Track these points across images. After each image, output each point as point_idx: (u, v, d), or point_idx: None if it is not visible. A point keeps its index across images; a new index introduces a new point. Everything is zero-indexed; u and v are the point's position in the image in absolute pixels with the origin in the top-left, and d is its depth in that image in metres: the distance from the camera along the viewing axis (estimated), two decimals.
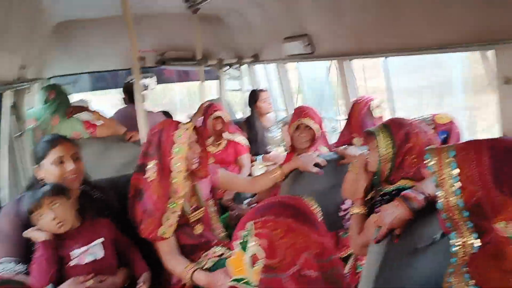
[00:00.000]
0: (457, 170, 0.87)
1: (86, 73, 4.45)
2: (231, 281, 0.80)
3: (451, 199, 0.88)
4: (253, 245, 0.79)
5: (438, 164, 0.90)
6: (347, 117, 2.56)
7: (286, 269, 0.77)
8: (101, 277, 1.61)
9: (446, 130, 1.82)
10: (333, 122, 3.71)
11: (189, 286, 1.75)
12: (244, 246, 0.79)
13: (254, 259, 0.78)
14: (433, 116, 1.85)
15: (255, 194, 2.87)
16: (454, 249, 0.91)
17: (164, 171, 1.74)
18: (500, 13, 1.46)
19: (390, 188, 1.48)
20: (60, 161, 1.69)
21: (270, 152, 3.36)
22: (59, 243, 1.61)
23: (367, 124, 2.29)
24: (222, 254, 1.86)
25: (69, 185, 1.70)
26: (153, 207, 1.74)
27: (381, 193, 1.56)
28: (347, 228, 1.96)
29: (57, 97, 2.79)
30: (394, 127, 1.48)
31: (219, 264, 1.80)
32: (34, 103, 3.47)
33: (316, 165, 2.00)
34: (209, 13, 3.78)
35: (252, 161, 3.26)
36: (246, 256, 0.79)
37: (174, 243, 1.81)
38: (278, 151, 3.27)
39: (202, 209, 1.93)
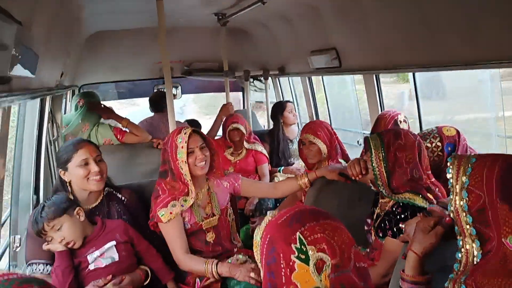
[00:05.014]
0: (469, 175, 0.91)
1: (114, 82, 4.59)
2: None
3: (458, 202, 0.92)
4: (314, 253, 0.80)
5: (456, 169, 0.93)
6: (371, 131, 2.55)
7: (348, 263, 0.80)
8: (120, 278, 1.66)
9: (452, 142, 1.79)
10: (358, 135, 3.70)
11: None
12: (303, 259, 0.80)
13: (318, 266, 0.80)
14: (438, 129, 1.83)
15: (277, 206, 2.89)
16: (458, 255, 0.95)
17: (176, 175, 1.87)
18: None
19: (397, 198, 1.56)
20: (85, 163, 1.75)
21: (293, 164, 3.37)
22: (76, 250, 1.66)
23: None
24: (245, 262, 1.88)
25: (93, 187, 1.76)
26: (164, 194, 1.88)
27: (387, 209, 1.61)
28: (369, 244, 1.94)
29: (85, 104, 2.89)
30: (385, 136, 1.56)
31: None
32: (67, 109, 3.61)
33: (342, 175, 2.01)
34: (236, 26, 3.85)
35: (274, 172, 3.28)
36: (310, 266, 0.80)
37: (181, 232, 1.86)
38: (300, 164, 3.28)
39: (215, 217, 1.97)
